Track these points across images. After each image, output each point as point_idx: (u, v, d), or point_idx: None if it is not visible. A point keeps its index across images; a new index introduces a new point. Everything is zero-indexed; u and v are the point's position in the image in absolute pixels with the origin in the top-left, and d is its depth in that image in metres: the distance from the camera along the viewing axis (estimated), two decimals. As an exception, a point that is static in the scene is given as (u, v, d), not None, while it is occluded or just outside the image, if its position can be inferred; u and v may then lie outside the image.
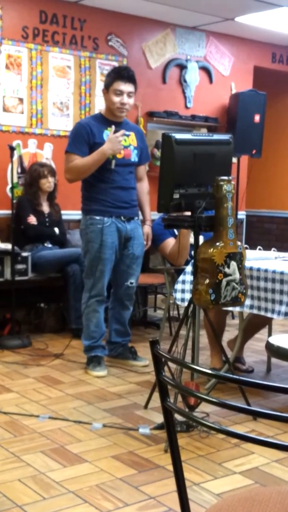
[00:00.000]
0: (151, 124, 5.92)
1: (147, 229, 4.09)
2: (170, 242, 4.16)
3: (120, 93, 3.80)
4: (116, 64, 5.63)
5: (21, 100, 5.22)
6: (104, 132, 3.86)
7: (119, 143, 3.79)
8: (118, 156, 3.86)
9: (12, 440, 2.90)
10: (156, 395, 3.06)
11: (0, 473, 2.56)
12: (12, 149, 4.55)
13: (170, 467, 1.55)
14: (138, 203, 4.10)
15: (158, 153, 5.65)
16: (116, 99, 3.81)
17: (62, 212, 5.16)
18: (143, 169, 4.14)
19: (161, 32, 5.95)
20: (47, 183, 4.98)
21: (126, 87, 3.81)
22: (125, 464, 2.68)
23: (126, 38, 5.74)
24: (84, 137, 3.84)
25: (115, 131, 3.79)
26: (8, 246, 4.62)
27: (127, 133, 3.88)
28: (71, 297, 4.77)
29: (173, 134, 3.00)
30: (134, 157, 3.95)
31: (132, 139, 3.95)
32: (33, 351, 4.41)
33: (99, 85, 5.48)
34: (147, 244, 4.10)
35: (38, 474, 2.57)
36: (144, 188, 4.13)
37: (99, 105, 5.49)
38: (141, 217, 4.13)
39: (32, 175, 5.01)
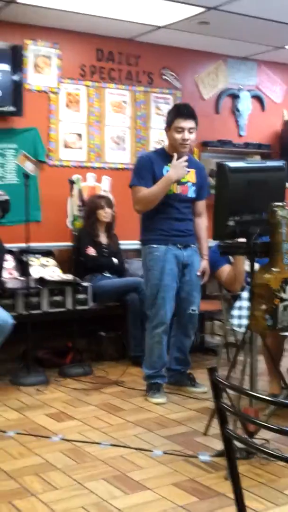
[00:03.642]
0: (205, 153, 5.99)
1: (205, 263, 4.13)
2: (226, 268, 4.19)
3: (181, 130, 3.91)
4: (170, 97, 5.77)
5: (79, 136, 5.41)
6: (164, 168, 3.96)
7: (182, 168, 3.90)
8: (175, 191, 3.95)
9: (75, 467, 2.96)
10: (215, 422, 3.08)
11: (64, 500, 2.62)
12: (72, 183, 4.71)
13: (231, 495, 1.57)
14: (196, 238, 4.17)
15: (212, 181, 5.71)
16: (178, 136, 3.92)
17: (120, 242, 5.27)
18: (202, 205, 4.19)
19: (213, 63, 6.07)
20: (104, 213, 5.11)
21: (187, 123, 3.91)
22: (186, 492, 2.70)
23: (179, 71, 5.88)
24: (147, 169, 3.96)
25: (178, 158, 3.90)
26: (69, 277, 4.76)
27: (187, 169, 3.97)
28: (130, 326, 4.84)
29: (227, 163, 3.06)
30: (191, 193, 4.04)
31: (191, 176, 4.05)
32: (94, 379, 4.49)
33: (154, 118, 5.63)
34: (203, 278, 4.13)
35: (101, 501, 2.61)
36: (203, 224, 4.19)
37: (154, 138, 5.63)
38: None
39: (90, 206, 5.16)
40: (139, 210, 4.04)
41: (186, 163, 3.93)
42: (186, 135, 3.92)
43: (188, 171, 4.02)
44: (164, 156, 4.02)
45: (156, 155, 4.06)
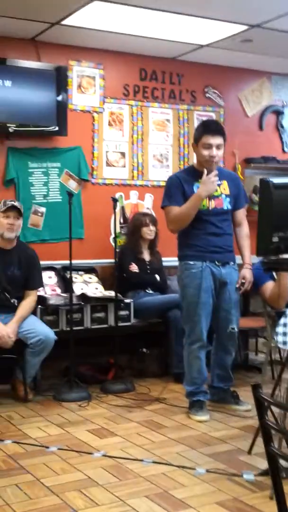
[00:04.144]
0: (249, 170, 5.98)
1: (247, 272, 4.07)
2: (270, 285, 4.15)
3: (209, 146, 3.90)
4: (213, 114, 5.80)
5: (123, 154, 5.48)
6: (194, 185, 3.95)
7: (212, 183, 3.87)
8: (209, 206, 3.91)
9: (117, 484, 2.95)
10: (259, 440, 3.04)
11: (106, 517, 2.62)
12: (115, 201, 4.77)
13: (276, 514, 1.54)
14: (238, 246, 4.13)
15: (256, 198, 5.68)
16: (205, 152, 3.90)
17: (163, 259, 5.28)
18: (241, 214, 4.16)
19: (257, 81, 6.07)
20: (149, 231, 5.14)
21: (215, 140, 3.90)
22: (230, 511, 2.65)
23: (222, 89, 5.90)
24: (177, 189, 3.96)
25: (207, 173, 3.88)
26: (112, 293, 4.79)
27: (218, 182, 3.95)
28: (172, 342, 4.82)
29: (271, 179, 3.04)
30: (226, 205, 4.01)
31: (224, 188, 4.02)
32: (136, 396, 4.48)
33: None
34: (244, 286, 4.08)
35: (143, 519, 2.60)
36: (243, 232, 4.15)
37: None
38: (240, 261, 4.15)
39: (135, 224, 5.21)
40: (173, 230, 4.05)
41: (216, 178, 3.90)
42: (214, 151, 3.90)
43: (220, 183, 3.99)
44: (194, 173, 4.01)
45: (185, 174, 4.06)
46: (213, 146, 3.90)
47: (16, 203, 4.36)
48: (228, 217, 4.06)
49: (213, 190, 3.91)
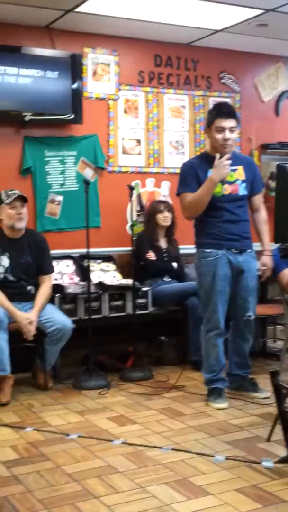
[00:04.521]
0: (266, 156, 5.93)
1: (266, 258, 4.05)
2: (287, 272, 4.13)
3: (222, 129, 3.84)
4: (229, 100, 5.75)
5: (138, 141, 5.46)
6: (208, 172, 3.90)
7: (225, 167, 3.82)
8: (224, 192, 3.88)
9: (137, 471, 2.97)
10: (278, 428, 3.04)
11: (126, 504, 2.63)
12: (131, 188, 4.76)
13: (296, 501, 1.54)
14: (256, 232, 4.10)
15: (273, 184, 5.64)
16: (219, 136, 3.85)
17: (180, 246, 5.28)
18: (258, 199, 4.11)
19: (272, 65, 6.00)
20: (163, 218, 5.13)
21: (228, 123, 3.85)
22: (250, 498, 2.67)
23: (238, 75, 5.85)
24: (191, 175, 3.92)
25: (220, 157, 3.83)
26: (129, 281, 4.79)
27: (233, 167, 3.91)
28: (190, 330, 4.82)
29: (288, 165, 3.03)
30: (242, 191, 3.96)
31: (239, 173, 3.97)
32: (154, 383, 4.50)
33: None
34: (264, 273, 4.06)
35: (163, 506, 2.61)
36: (261, 218, 4.12)
37: (213, 141, 5.60)
38: (257, 248, 4.12)
39: (150, 211, 5.21)
40: (188, 217, 4.01)
41: (229, 162, 3.84)
42: (228, 134, 3.85)
43: (236, 169, 3.94)
44: (207, 159, 3.95)
45: (199, 160, 4.02)
46: (226, 129, 3.85)
47: (18, 192, 4.36)
48: (245, 203, 4.02)
49: (226, 174, 3.86)
